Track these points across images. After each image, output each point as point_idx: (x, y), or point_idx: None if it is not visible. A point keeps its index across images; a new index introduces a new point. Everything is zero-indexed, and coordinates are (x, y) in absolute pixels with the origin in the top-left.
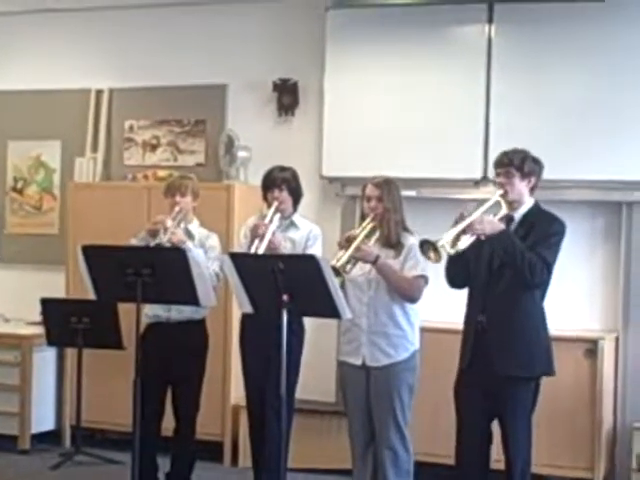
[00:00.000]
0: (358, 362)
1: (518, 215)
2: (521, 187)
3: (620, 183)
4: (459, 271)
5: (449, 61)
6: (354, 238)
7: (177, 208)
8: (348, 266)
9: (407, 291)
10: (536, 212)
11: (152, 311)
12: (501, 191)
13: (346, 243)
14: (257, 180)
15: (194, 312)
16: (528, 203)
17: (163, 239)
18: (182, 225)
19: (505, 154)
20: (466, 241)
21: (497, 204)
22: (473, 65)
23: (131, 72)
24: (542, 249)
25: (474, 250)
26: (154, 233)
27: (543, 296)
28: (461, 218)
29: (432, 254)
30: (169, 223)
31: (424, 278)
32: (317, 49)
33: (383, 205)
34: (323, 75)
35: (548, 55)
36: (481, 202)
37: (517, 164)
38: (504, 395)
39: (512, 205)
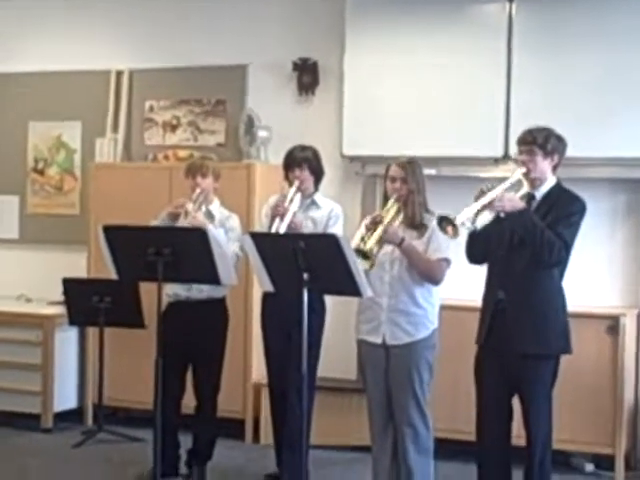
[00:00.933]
0: (378, 340)
1: (539, 194)
2: (544, 165)
3: None
4: (479, 247)
5: (470, 40)
6: (380, 220)
7: (198, 190)
8: (375, 248)
9: (430, 273)
10: (557, 191)
11: (172, 290)
12: (523, 169)
13: (372, 225)
14: (278, 160)
15: (214, 291)
16: (550, 181)
17: (184, 223)
18: (203, 207)
19: (529, 132)
20: (485, 218)
21: (519, 182)
22: (494, 44)
23: (151, 53)
24: (561, 228)
25: (495, 227)
26: (175, 217)
27: (562, 275)
28: (481, 194)
29: (450, 229)
30: (190, 207)
31: (447, 261)
32: (337, 28)
33: (407, 186)
34: (343, 54)
35: (568, 33)
36: (503, 180)
37: (540, 142)
38: (523, 372)
39: (534, 183)
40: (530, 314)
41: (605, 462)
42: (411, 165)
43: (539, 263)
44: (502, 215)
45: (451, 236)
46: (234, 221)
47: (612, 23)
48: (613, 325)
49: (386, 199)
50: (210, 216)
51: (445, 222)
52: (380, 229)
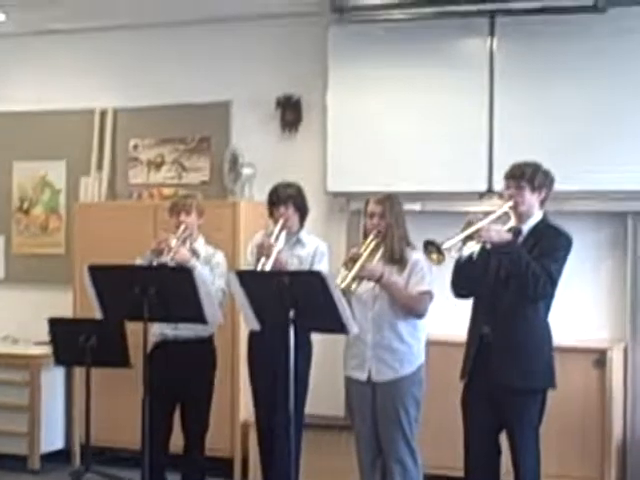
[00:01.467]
0: (363, 377)
1: (526, 228)
2: (531, 200)
3: (625, 193)
4: (464, 280)
5: (451, 75)
6: (358, 257)
7: (182, 227)
8: (353, 285)
9: (413, 307)
10: (544, 226)
11: (159, 329)
12: (511, 203)
13: (351, 262)
14: (262, 196)
15: (201, 330)
16: (537, 216)
17: (167, 258)
18: (187, 244)
19: (517, 166)
20: (471, 247)
21: (506, 215)
22: (476, 78)
23: (134, 91)
24: (547, 262)
25: (482, 261)
26: (158, 252)
27: (548, 310)
28: (468, 225)
29: (435, 256)
30: (173, 242)
31: (429, 294)
32: (319, 65)
33: (386, 221)
34: (326, 91)
35: (550, 67)
36: (488, 213)
37: (528, 176)
38: (510, 407)
39: (521, 217)
40: (515, 349)
41: None
42: (389, 200)
43: (524, 297)
44: (488, 246)
45: (435, 262)
46: (220, 257)
47: (595, 56)
48: (600, 359)
49: (366, 235)
50: (195, 253)
51: (431, 247)
52: (357, 266)
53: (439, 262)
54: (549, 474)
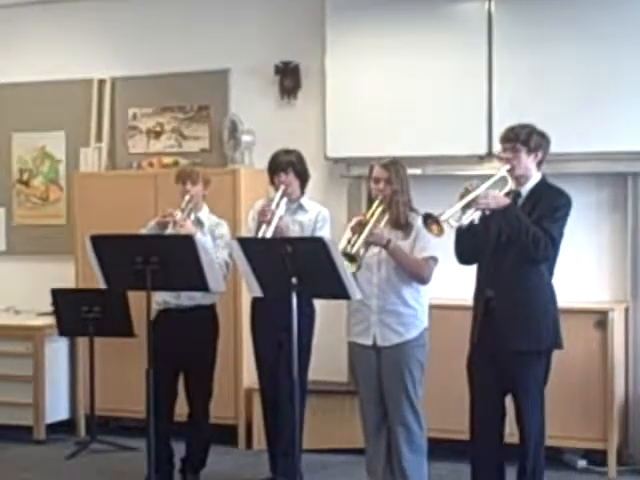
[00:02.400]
0: (369, 342)
1: (525, 190)
2: (528, 162)
3: (625, 154)
4: (467, 247)
5: (450, 39)
6: (366, 222)
7: (187, 197)
8: (362, 251)
9: (418, 273)
10: (543, 187)
11: (162, 298)
12: (508, 166)
13: (358, 227)
14: (262, 164)
15: (204, 298)
16: (535, 178)
17: (172, 231)
18: (192, 215)
19: (511, 129)
20: (470, 215)
21: (503, 179)
22: (474, 41)
23: (132, 61)
24: (547, 224)
25: (482, 226)
26: (164, 225)
27: (551, 271)
28: (466, 192)
29: (435, 227)
30: (178, 215)
31: (434, 259)
32: (317, 31)
33: (391, 187)
34: (324, 57)
35: (549, 28)
36: (488, 178)
37: (523, 139)
38: (515, 370)
39: (519, 180)
40: (520, 311)
41: (597, 457)
42: (394, 165)
43: (526, 260)
44: (487, 213)
45: (436, 234)
46: (223, 228)
47: (593, 17)
48: (602, 320)
49: (370, 201)
50: (199, 223)
51: (430, 220)
52: (366, 231)
53: (440, 234)
54: (552, 435)
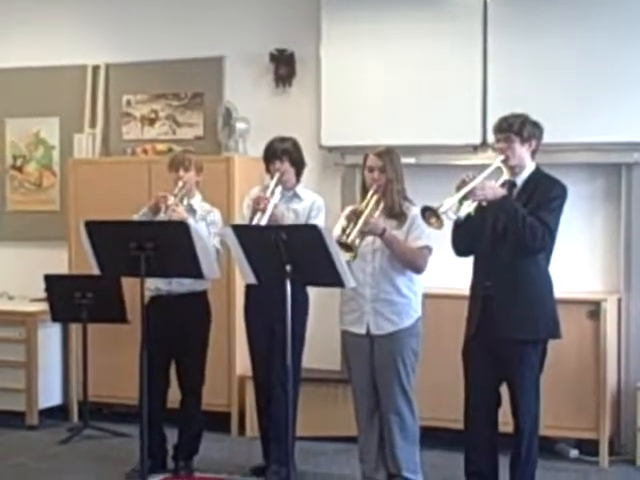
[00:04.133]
0: (362, 331)
1: (520, 180)
2: (522, 152)
3: (619, 145)
4: (464, 239)
5: (445, 26)
6: (361, 212)
7: (180, 183)
8: (357, 240)
9: (412, 262)
10: (538, 177)
11: (154, 284)
12: (502, 157)
13: (353, 216)
14: (256, 152)
15: (195, 284)
16: (529, 168)
17: (164, 216)
18: (185, 201)
19: (504, 119)
20: (468, 207)
21: (499, 170)
22: (469, 29)
23: (127, 47)
24: (543, 213)
25: (479, 217)
26: (156, 210)
27: (548, 260)
28: (463, 184)
29: (434, 220)
30: (171, 200)
31: (428, 248)
32: (313, 19)
33: (385, 176)
34: (319, 45)
35: (544, 16)
36: (483, 168)
37: (516, 129)
38: (512, 359)
39: (513, 170)
40: (517, 301)
41: (589, 447)
42: (389, 154)
43: (523, 250)
44: (484, 204)
45: (435, 227)
46: (215, 216)
47: (589, 7)
48: (594, 310)
49: (365, 189)
50: (191, 210)
51: (429, 213)
52: (361, 220)
53: (439, 226)
54: (545, 425)
